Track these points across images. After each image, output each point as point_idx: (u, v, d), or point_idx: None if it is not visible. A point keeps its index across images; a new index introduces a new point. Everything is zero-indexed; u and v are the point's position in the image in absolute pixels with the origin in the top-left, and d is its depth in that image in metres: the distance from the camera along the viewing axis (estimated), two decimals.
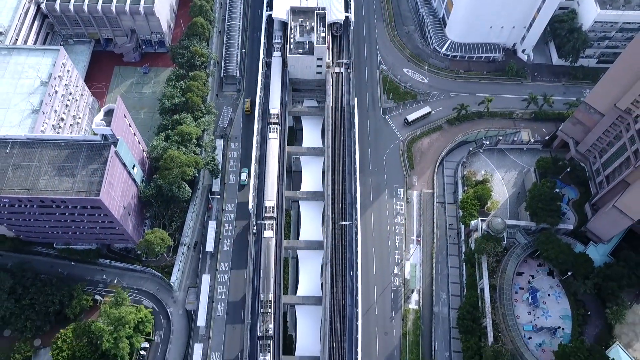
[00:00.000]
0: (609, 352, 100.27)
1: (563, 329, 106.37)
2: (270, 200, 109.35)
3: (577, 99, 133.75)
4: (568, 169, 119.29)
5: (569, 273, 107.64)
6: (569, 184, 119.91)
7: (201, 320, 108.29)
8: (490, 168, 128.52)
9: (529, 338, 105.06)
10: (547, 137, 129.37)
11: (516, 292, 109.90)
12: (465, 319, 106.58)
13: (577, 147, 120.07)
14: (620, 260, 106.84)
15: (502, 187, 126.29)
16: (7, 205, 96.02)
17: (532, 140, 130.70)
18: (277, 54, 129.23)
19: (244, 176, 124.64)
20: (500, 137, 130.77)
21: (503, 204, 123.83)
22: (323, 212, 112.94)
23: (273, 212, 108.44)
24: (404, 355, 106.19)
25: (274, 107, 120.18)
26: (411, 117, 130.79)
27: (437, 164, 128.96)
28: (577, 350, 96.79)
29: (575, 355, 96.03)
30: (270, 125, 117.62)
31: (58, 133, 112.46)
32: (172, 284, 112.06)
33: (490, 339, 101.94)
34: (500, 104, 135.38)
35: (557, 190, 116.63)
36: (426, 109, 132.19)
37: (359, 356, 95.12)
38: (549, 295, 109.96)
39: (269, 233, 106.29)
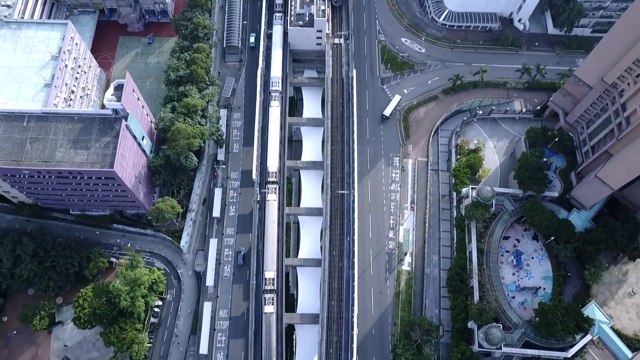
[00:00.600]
0: (584, 309, 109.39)
1: (544, 288, 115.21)
2: (273, 166, 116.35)
3: (569, 69, 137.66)
4: (556, 139, 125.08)
5: (552, 237, 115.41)
6: (557, 153, 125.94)
7: (210, 281, 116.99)
8: (483, 137, 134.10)
9: (513, 297, 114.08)
10: (539, 107, 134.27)
11: (502, 255, 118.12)
12: (454, 279, 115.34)
13: (566, 118, 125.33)
14: (600, 226, 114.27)
15: (493, 156, 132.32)
16: (27, 176, 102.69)
17: (524, 110, 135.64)
18: (278, 25, 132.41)
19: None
20: (494, 107, 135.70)
21: (494, 172, 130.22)
22: (323, 180, 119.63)
23: (275, 177, 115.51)
24: (397, 312, 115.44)
25: (276, 78, 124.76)
26: (387, 111, 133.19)
27: (432, 133, 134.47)
28: (555, 308, 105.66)
29: (553, 313, 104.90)
30: (272, 94, 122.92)
31: (70, 105, 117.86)
32: (181, 247, 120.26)
33: (476, 298, 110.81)
34: (495, 73, 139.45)
35: (545, 159, 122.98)
36: (397, 98, 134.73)
37: (355, 313, 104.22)
38: (532, 258, 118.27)
39: (272, 197, 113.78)
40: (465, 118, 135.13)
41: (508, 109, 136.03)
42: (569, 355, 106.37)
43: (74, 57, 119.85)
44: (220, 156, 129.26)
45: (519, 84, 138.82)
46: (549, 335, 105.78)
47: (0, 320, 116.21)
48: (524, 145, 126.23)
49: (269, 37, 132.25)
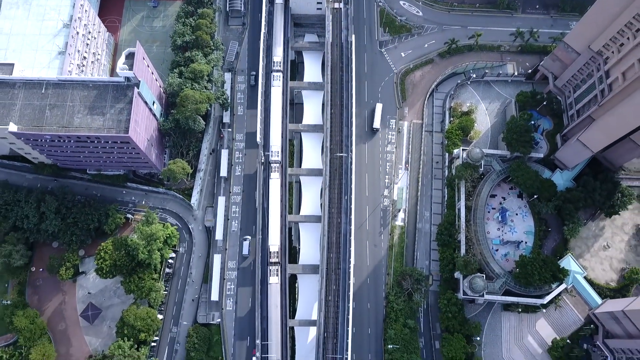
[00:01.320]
0: (561, 261, 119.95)
1: (526, 242, 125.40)
2: (277, 129, 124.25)
3: (561, 32, 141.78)
4: (545, 102, 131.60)
5: (535, 196, 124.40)
6: (545, 116, 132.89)
7: (219, 235, 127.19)
8: (476, 99, 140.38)
9: (496, 250, 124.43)
10: (530, 71, 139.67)
11: (489, 212, 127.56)
12: (443, 234, 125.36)
13: (555, 82, 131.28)
14: (580, 186, 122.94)
15: (485, 118, 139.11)
16: (48, 141, 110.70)
17: (516, 73, 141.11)
18: None
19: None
20: (487, 70, 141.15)
21: (485, 133, 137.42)
22: (323, 143, 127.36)
23: (279, 140, 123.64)
24: (390, 263, 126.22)
25: (278, 47, 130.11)
26: (376, 124, 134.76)
27: (428, 95, 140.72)
28: (534, 260, 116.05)
29: (532, 264, 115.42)
30: (274, 73, 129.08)
31: (82, 71, 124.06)
32: (192, 204, 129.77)
33: (463, 251, 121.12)
34: (490, 37, 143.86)
35: (533, 121, 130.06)
36: (379, 106, 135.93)
37: (352, 264, 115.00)
38: (516, 214, 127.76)
39: (275, 158, 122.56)
40: (459, 81, 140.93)
41: (501, 72, 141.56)
42: (545, 302, 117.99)
43: (84, 24, 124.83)
44: (226, 119, 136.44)
45: (512, 47, 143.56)
46: (527, 284, 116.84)
47: (29, 270, 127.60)
48: (514, 108, 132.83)
49: (270, 1, 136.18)
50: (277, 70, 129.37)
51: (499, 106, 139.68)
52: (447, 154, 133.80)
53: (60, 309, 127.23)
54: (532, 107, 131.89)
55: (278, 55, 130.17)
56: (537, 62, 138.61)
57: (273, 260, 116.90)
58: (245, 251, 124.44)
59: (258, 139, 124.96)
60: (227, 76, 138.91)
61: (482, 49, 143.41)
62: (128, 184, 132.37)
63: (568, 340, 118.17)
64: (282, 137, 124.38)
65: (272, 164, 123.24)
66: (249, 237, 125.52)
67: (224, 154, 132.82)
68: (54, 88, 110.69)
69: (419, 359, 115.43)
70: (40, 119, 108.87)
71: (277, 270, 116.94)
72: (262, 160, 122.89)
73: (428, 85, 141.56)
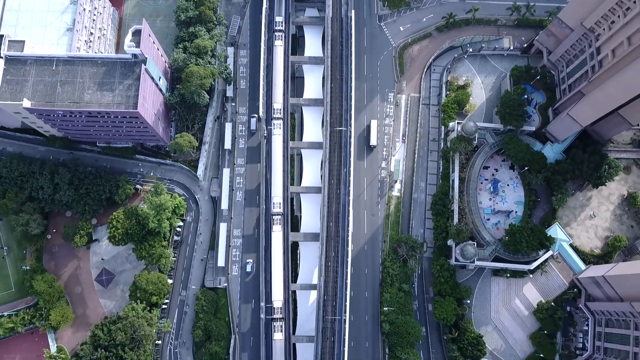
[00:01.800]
0: (549, 229, 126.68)
1: (516, 212, 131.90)
2: (278, 103, 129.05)
3: (557, 6, 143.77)
4: (538, 77, 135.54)
5: (526, 168, 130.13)
6: (539, 90, 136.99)
7: (224, 205, 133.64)
8: (472, 73, 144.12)
9: (488, 219, 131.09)
10: (526, 45, 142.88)
11: (481, 183, 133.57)
12: (438, 204, 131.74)
13: (549, 57, 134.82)
14: (569, 158, 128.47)
15: (481, 91, 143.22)
16: (60, 116, 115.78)
17: (512, 47, 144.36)
18: None
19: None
20: (483, 45, 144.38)
21: (480, 107, 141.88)
22: (323, 116, 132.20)
23: (280, 113, 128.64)
24: (387, 231, 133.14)
25: (279, 18, 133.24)
26: (373, 141, 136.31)
27: (425, 69, 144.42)
28: (522, 228, 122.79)
29: (521, 233, 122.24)
30: (276, 33, 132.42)
31: (89, 47, 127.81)
32: (198, 175, 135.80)
33: (456, 220, 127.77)
34: (487, 11, 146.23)
35: (527, 95, 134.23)
36: (374, 122, 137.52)
37: (350, 232, 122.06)
38: (508, 185, 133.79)
39: (277, 132, 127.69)
40: (456, 55, 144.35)
41: (497, 46, 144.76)
42: (532, 268, 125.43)
43: (90, 0, 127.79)
44: (229, 92, 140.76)
45: (509, 21, 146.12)
46: (515, 251, 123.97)
47: (45, 238, 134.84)
48: (509, 82, 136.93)
49: None
50: (279, 37, 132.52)
51: (494, 80, 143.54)
52: (442, 127, 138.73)
53: (76, 274, 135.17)
54: (526, 81, 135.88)
55: (280, 28, 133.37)
56: (532, 37, 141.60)
57: (275, 230, 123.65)
58: (248, 269, 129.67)
59: (260, 113, 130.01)
60: (230, 50, 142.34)
61: (479, 23, 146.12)
62: (136, 156, 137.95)
63: (552, 303, 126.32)
64: (283, 111, 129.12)
65: (274, 138, 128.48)
66: (251, 261, 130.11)
67: (228, 127, 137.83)
68: (64, 65, 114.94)
69: (412, 320, 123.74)
70: (52, 95, 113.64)
71: (280, 234, 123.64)
72: (265, 134, 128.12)
73: (426, 59, 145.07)
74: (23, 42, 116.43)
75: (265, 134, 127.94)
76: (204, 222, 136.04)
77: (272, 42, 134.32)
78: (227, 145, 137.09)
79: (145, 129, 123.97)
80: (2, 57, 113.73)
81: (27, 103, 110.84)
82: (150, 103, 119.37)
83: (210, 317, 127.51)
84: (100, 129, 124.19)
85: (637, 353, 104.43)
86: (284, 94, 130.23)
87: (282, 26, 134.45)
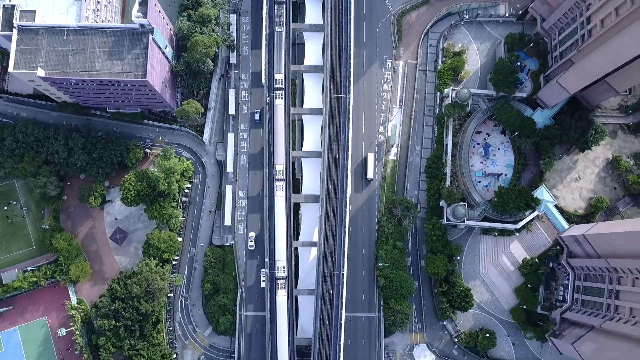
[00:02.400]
0: (536, 191, 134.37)
1: (506, 175, 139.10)
2: (280, 73, 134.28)
3: None
4: (532, 44, 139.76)
5: (516, 133, 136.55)
6: (532, 57, 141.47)
7: (229, 168, 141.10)
8: (468, 40, 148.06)
9: (479, 182, 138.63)
10: (521, 12, 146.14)
11: (474, 147, 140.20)
12: (431, 167, 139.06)
13: (542, 24, 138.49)
14: (557, 123, 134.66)
15: (476, 58, 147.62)
16: (72, 84, 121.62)
17: (508, 14, 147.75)
18: None
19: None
20: (480, 11, 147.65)
21: (475, 73, 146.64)
22: (323, 83, 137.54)
23: (282, 83, 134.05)
24: (383, 192, 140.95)
25: None
26: (370, 174, 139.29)
27: (422, 36, 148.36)
28: (510, 190, 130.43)
29: (509, 195, 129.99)
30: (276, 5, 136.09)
31: (97, 15, 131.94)
32: (204, 140, 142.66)
33: (448, 182, 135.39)
34: None
35: (520, 62, 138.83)
36: (370, 155, 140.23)
37: (348, 194, 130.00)
38: (499, 149, 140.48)
39: (279, 101, 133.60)
40: (453, 22, 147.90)
41: (493, 12, 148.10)
42: (518, 227, 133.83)
43: None
44: (232, 59, 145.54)
45: None
46: (503, 212, 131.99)
47: (61, 199, 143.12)
48: (503, 49, 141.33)
49: None
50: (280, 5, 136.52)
51: (489, 47, 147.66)
52: (438, 93, 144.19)
53: (91, 232, 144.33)
54: (519, 48, 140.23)
55: None
56: (528, 4, 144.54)
57: (278, 193, 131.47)
58: (250, 244, 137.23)
59: (263, 80, 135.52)
60: (233, 18, 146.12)
61: None
62: (145, 121, 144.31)
63: (537, 260, 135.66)
64: (285, 78, 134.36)
65: (276, 103, 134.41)
66: (253, 235, 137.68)
67: (232, 93, 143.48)
68: (74, 34, 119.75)
69: (406, 275, 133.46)
70: (64, 64, 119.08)
71: (282, 196, 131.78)
72: (267, 101, 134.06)
73: (423, 26, 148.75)
74: (34, 12, 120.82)
75: (267, 101, 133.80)
76: (211, 184, 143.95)
77: (273, 11, 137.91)
78: (231, 110, 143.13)
79: (154, 96, 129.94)
80: (15, 27, 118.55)
81: (41, 72, 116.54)
82: (157, 71, 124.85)
83: (218, 272, 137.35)
84: (111, 96, 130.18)
85: (610, 304, 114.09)
86: (285, 62, 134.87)
87: None
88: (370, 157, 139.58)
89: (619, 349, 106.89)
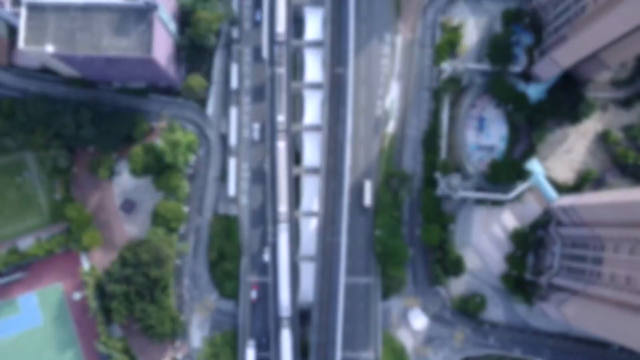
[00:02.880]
0: (528, 163, 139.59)
1: (499, 147, 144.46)
2: (281, 46, 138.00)
3: None
4: (528, 19, 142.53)
5: (510, 106, 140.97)
6: (528, 31, 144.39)
7: (233, 141, 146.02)
8: (465, 14, 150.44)
9: (473, 154, 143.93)
10: None
11: (469, 121, 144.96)
12: (428, 140, 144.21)
13: None
14: (550, 97, 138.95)
15: (473, 32, 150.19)
16: (80, 60, 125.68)
17: None
18: None
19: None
20: None
21: (471, 48, 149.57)
22: (323, 58, 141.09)
23: (283, 56, 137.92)
24: (381, 165, 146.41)
25: None
26: (367, 201, 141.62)
27: (421, 10, 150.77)
28: (503, 163, 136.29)
29: (501, 167, 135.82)
30: None
31: None
32: (208, 114, 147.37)
33: (443, 154, 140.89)
34: None
35: (515, 37, 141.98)
36: (367, 184, 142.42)
37: (347, 167, 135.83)
38: (493, 122, 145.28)
39: (281, 70, 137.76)
40: None
41: None
42: (510, 197, 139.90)
43: None
44: (235, 34, 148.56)
45: None
46: (496, 183, 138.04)
47: (72, 171, 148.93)
48: (499, 24, 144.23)
49: None
50: None
51: (487, 21, 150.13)
52: (435, 68, 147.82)
53: (101, 203, 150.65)
54: (515, 22, 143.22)
55: None
56: None
57: (280, 163, 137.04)
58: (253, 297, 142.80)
59: (264, 54, 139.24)
60: None
61: None
62: (150, 95, 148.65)
63: (527, 229, 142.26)
64: (286, 53, 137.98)
65: (278, 79, 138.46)
66: (256, 288, 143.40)
67: (234, 67, 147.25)
68: (81, 12, 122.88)
69: (402, 243, 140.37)
70: (72, 40, 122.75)
71: (284, 170, 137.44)
72: (270, 75, 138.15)
73: (422, 0, 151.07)
74: None
75: (270, 76, 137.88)
76: (215, 156, 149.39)
77: None
78: (234, 84, 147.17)
79: (159, 71, 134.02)
80: (23, 4, 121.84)
81: (50, 49, 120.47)
82: (162, 47, 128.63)
83: (223, 240, 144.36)
84: (117, 71, 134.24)
85: (593, 270, 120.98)
86: (286, 36, 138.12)
87: None
88: (367, 185, 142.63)
89: (599, 311, 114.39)
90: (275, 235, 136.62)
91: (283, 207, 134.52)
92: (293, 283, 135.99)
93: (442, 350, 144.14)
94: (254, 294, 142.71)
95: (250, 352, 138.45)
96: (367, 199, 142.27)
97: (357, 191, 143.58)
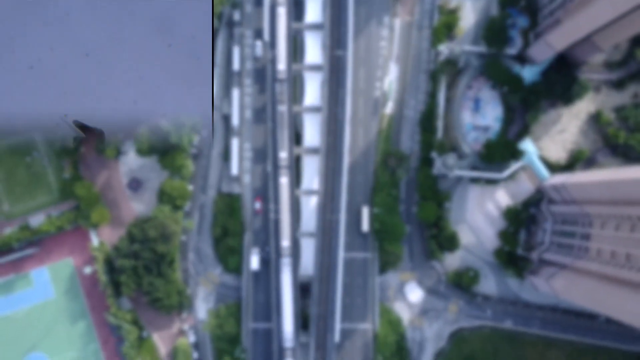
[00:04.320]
0: (521, 143, 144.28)
1: (494, 127, 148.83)
2: (282, 31, 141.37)
3: None
4: (525, 1, 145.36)
5: (505, 88, 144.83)
6: (524, 14, 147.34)
7: (235, 121, 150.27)
8: None
9: (468, 134, 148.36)
10: None
11: (465, 102, 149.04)
12: (425, 120, 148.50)
13: None
14: (544, 79, 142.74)
15: (470, 14, 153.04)
16: None
17: None
18: None
19: None
20: None
21: (468, 30, 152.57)
22: (323, 40, 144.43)
23: (284, 41, 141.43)
24: (379, 144, 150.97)
25: None
26: (364, 227, 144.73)
27: None
28: (497, 143, 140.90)
29: (495, 147, 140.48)
30: None
31: None
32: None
33: (440, 134, 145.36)
34: None
35: (511, 19, 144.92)
36: (365, 211, 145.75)
37: (346, 146, 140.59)
38: (488, 104, 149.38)
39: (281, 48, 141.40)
40: None
41: None
42: (504, 176, 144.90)
43: None
44: (236, 16, 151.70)
45: None
46: (490, 162, 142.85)
47: (79, 151, 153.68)
48: (496, 6, 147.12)
49: None
50: None
51: (483, 4, 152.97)
52: (432, 50, 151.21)
53: (109, 181, 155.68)
54: (512, 5, 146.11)
55: None
56: None
57: (281, 144, 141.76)
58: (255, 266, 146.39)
59: (265, 37, 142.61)
60: None
61: None
62: None
63: (519, 206, 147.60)
64: (287, 36, 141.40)
65: (278, 60, 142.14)
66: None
67: (236, 50, 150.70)
68: None
69: (399, 220, 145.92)
70: None
71: (285, 149, 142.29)
72: (271, 57, 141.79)
73: None
74: None
75: (270, 58, 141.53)
76: (218, 136, 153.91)
77: None
78: (236, 66, 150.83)
79: None
80: None
81: None
82: None
83: (227, 217, 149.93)
84: None
85: (581, 246, 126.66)
86: (287, 20, 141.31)
87: None
88: (365, 211, 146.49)
89: (585, 284, 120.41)
90: (277, 212, 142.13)
91: (284, 184, 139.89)
92: (294, 256, 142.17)
93: (437, 322, 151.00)
94: (257, 205, 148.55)
95: (255, 258, 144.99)
96: (365, 225, 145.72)
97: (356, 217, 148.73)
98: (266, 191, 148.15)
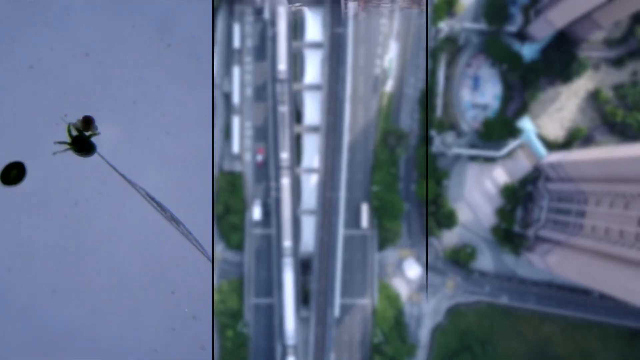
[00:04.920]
0: (519, 120, 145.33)
1: (493, 105, 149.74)
2: (282, 7, 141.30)
3: None
4: None
5: (505, 66, 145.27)
6: None
7: (235, 100, 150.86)
8: None
9: (467, 112, 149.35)
10: None
11: (464, 80, 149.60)
12: (425, 98, 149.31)
13: None
14: (543, 57, 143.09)
15: None
16: None
17: None
18: None
19: None
20: None
21: (469, 8, 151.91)
22: (323, 17, 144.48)
23: (284, 19, 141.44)
24: (379, 122, 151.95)
25: None
26: (363, 223, 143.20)
27: None
28: (495, 121, 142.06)
29: (494, 125, 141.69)
30: None
31: None
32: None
33: (439, 113, 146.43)
34: None
35: None
36: (364, 207, 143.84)
37: (346, 124, 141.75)
38: (488, 81, 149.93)
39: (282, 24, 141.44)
40: None
41: None
42: (502, 154, 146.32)
43: None
44: None
45: None
46: (488, 140, 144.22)
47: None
48: None
49: None
50: None
51: None
52: (433, 27, 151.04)
53: None
54: None
55: None
56: None
57: (282, 123, 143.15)
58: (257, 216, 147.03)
59: (266, 15, 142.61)
60: None
61: None
62: None
63: (517, 184, 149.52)
64: (287, 14, 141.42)
65: (278, 38, 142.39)
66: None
67: (236, 27, 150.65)
68: None
69: (397, 198, 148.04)
70: None
71: (287, 126, 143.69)
72: (271, 35, 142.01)
73: None
74: None
75: (270, 35, 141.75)
76: (219, 114, 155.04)
77: None
78: (236, 44, 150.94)
79: None
80: None
81: None
82: None
83: (229, 195, 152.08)
84: None
85: (576, 223, 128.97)
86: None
87: None
88: (364, 208, 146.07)
89: (578, 260, 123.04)
90: (278, 189, 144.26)
91: (285, 164, 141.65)
92: (295, 234, 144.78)
93: (435, 297, 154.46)
94: (259, 157, 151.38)
95: (257, 210, 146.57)
96: (364, 221, 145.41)
97: (359, 147, 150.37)
98: (267, 169, 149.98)
